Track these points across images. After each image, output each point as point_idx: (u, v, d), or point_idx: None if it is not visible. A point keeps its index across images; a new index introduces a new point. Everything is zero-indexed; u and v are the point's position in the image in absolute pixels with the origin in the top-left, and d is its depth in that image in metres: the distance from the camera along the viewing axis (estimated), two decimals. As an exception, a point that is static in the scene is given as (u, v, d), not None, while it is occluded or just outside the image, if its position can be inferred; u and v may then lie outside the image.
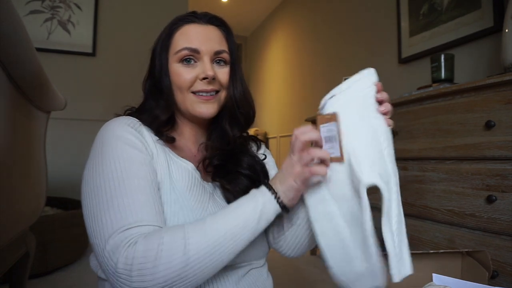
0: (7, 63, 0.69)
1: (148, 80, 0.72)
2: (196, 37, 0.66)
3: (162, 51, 0.68)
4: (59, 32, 2.49)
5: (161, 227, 0.54)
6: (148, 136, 0.64)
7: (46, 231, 1.67)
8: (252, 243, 0.57)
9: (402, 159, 1.45)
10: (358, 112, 0.56)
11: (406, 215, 1.44)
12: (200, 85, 0.66)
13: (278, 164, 0.83)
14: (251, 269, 0.68)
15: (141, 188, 0.55)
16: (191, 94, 0.66)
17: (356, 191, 0.53)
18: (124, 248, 0.48)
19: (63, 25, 2.51)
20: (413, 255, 0.90)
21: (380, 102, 0.58)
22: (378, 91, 0.58)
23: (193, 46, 0.65)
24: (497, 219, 1.06)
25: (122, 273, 0.47)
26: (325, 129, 0.56)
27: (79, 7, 2.54)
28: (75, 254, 1.94)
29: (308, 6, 3.45)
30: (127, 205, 0.52)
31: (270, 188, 0.58)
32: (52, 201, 2.07)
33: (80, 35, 2.54)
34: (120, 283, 0.48)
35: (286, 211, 0.59)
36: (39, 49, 1.90)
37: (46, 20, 2.47)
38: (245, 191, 0.63)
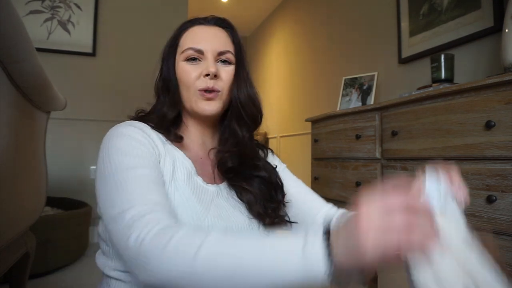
0: (7, 63, 0.70)
1: (159, 81, 0.74)
2: (202, 37, 0.70)
3: (170, 52, 0.72)
4: (59, 32, 2.49)
5: (172, 216, 0.52)
6: (156, 138, 0.65)
7: (46, 231, 1.67)
8: None
9: (402, 159, 1.45)
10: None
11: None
12: (203, 82, 0.67)
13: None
14: None
15: (147, 178, 0.56)
16: (197, 92, 0.68)
17: None
18: (139, 226, 0.47)
19: (63, 25, 2.51)
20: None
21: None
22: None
23: (198, 46, 0.68)
24: (497, 219, 1.06)
25: (132, 248, 0.47)
26: None
27: (79, 7, 2.54)
28: (75, 254, 1.94)
29: (308, 6, 3.45)
30: (140, 191, 0.53)
31: (329, 249, 0.40)
32: (52, 201, 2.07)
33: (80, 35, 2.54)
34: (128, 257, 0.48)
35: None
36: (39, 49, 1.89)
37: (46, 20, 2.47)
38: (264, 193, 0.69)
